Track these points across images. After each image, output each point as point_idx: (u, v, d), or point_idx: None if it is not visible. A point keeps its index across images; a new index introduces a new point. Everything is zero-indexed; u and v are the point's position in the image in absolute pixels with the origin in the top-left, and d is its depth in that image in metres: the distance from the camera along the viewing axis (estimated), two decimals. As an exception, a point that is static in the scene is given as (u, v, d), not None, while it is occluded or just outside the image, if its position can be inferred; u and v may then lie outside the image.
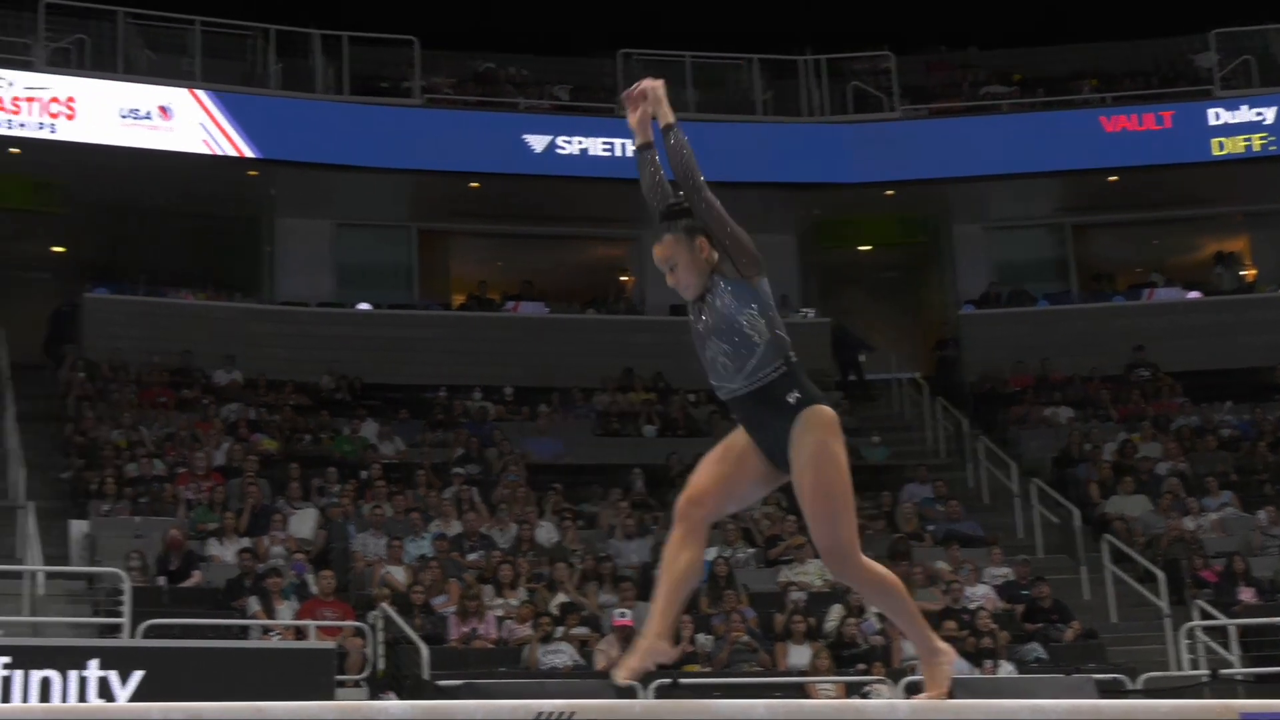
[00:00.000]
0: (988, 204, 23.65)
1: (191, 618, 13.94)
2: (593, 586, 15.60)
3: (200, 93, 20.53)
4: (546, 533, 16.99)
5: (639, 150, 5.45)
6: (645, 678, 13.08)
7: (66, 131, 19.88)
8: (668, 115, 5.38)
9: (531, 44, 24.57)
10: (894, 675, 13.98)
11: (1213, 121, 22.11)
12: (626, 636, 14.18)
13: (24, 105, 19.64)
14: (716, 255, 5.29)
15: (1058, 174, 22.57)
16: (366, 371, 21.04)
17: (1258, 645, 15.18)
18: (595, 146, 21.85)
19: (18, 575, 14.62)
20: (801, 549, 16.62)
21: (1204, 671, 14.66)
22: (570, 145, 21.83)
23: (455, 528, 16.67)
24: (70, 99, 19.90)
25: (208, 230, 22.39)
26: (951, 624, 14.93)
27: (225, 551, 15.62)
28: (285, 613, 14.34)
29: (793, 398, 5.17)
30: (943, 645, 5.28)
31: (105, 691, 11.42)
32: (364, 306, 22.28)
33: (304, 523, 16.47)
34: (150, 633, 13.00)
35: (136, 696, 11.28)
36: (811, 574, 16.30)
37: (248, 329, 21.32)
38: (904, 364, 23.07)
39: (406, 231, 23.60)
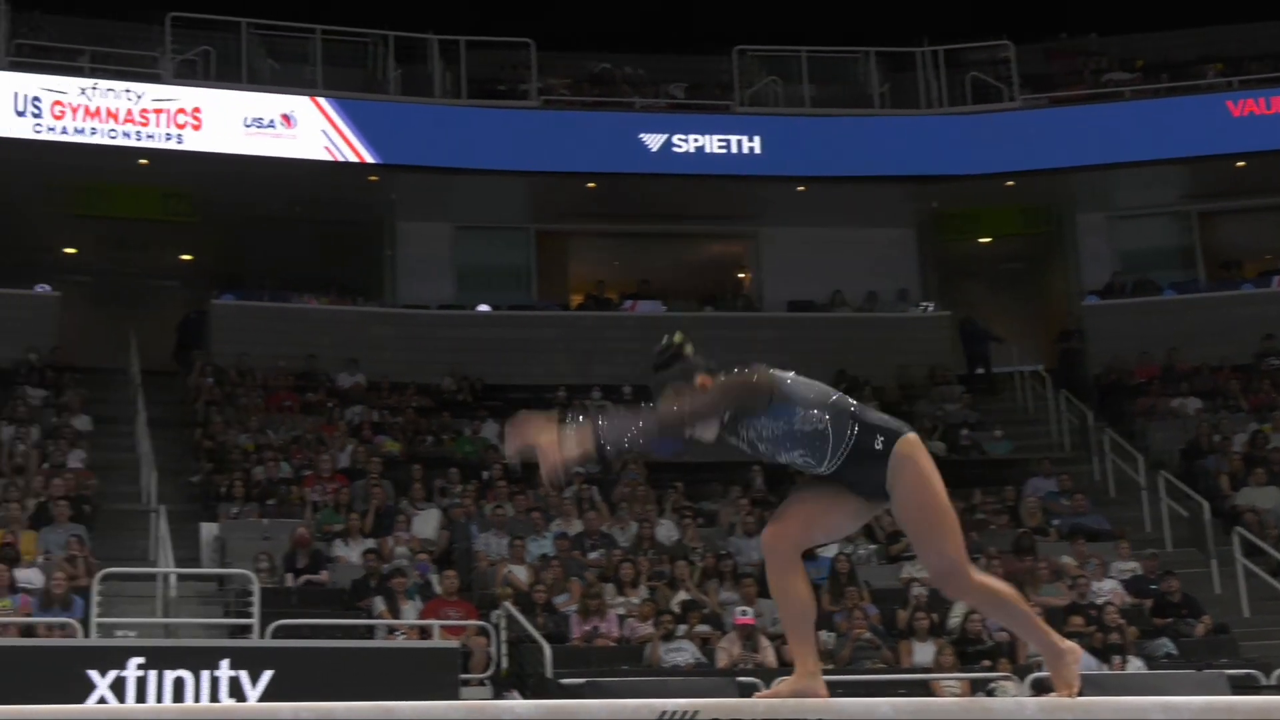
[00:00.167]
0: (1111, 192, 23.26)
1: (319, 618, 14.16)
2: (713, 584, 15.60)
3: (322, 100, 20.84)
4: (667, 531, 17.02)
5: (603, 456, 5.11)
6: (767, 675, 13.06)
7: (193, 141, 20.28)
8: (574, 450, 4.98)
9: (646, 43, 24.61)
10: (1020, 672, 13.82)
11: (1343, 103, 21.59)
12: (748, 634, 14.18)
13: (152, 117, 20.07)
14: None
15: (1183, 161, 22.13)
16: (487, 373, 21.22)
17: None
18: (711, 144, 21.84)
19: (151, 577, 14.92)
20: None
21: (1340, 666, 14.31)
22: (686, 143, 21.83)
23: (576, 527, 16.76)
24: (196, 109, 20.29)
25: (330, 236, 22.71)
26: (1078, 619, 14.75)
27: (350, 552, 15.85)
28: (410, 612, 14.51)
29: (879, 444, 5.14)
30: (1067, 644, 5.20)
31: (236, 691, 11.62)
32: (484, 308, 22.47)
33: (427, 523, 16.66)
34: (279, 633, 13.21)
35: (266, 696, 11.47)
36: (934, 570, 16.15)
37: (370, 332, 21.61)
38: (1026, 356, 22.77)
39: (525, 233, 23.76)
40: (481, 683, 13.68)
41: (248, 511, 16.59)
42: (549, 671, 13.30)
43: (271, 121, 20.55)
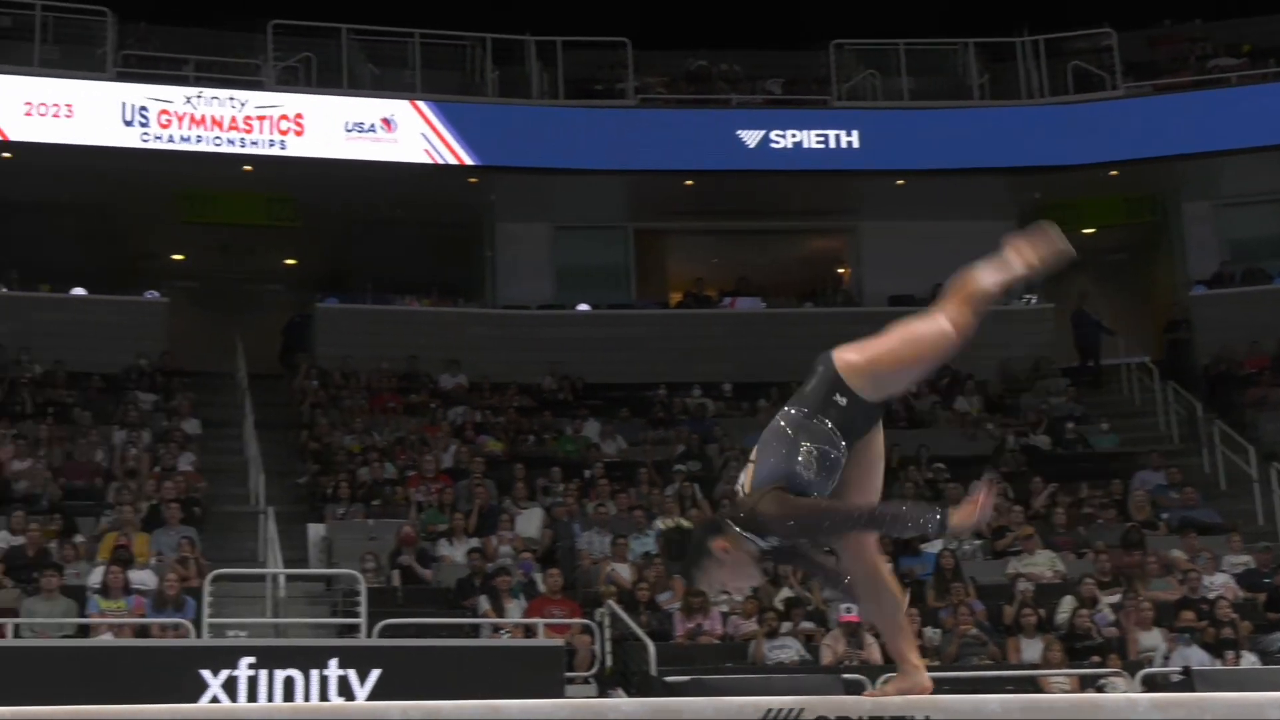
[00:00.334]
0: (1218, 180, 22.86)
1: (424, 617, 14.28)
2: (817, 581, 15.52)
3: (421, 103, 21.03)
4: (770, 527, 16.93)
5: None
6: (872, 672, 12.99)
7: (295, 147, 20.56)
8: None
9: (743, 39, 24.54)
10: (1130, 668, 13.64)
11: None
12: (852, 631, 14.10)
13: (255, 124, 20.37)
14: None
15: (1292, 146, 21.71)
16: (587, 372, 21.29)
17: None
18: (809, 139, 21.76)
19: (260, 578, 15.12)
20: (1030, 540, 16.33)
21: None
22: (784, 139, 21.77)
23: (678, 524, 16.77)
24: (298, 115, 20.57)
25: (430, 238, 22.91)
26: (1189, 614, 14.53)
27: (455, 552, 15.97)
28: (514, 611, 14.58)
29: (836, 397, 5.07)
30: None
31: (345, 690, 11.74)
32: (583, 307, 22.55)
33: (530, 522, 16.75)
34: (386, 632, 13.34)
35: (374, 695, 11.58)
36: (1041, 565, 16.00)
37: (471, 333, 21.77)
38: (1132, 348, 22.44)
39: (623, 232, 23.81)
40: (586, 681, 13.72)
41: (353, 512, 16.76)
42: (653, 669, 13.31)
43: (372, 126, 20.77)
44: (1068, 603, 15.00)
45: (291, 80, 21.23)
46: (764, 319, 22.63)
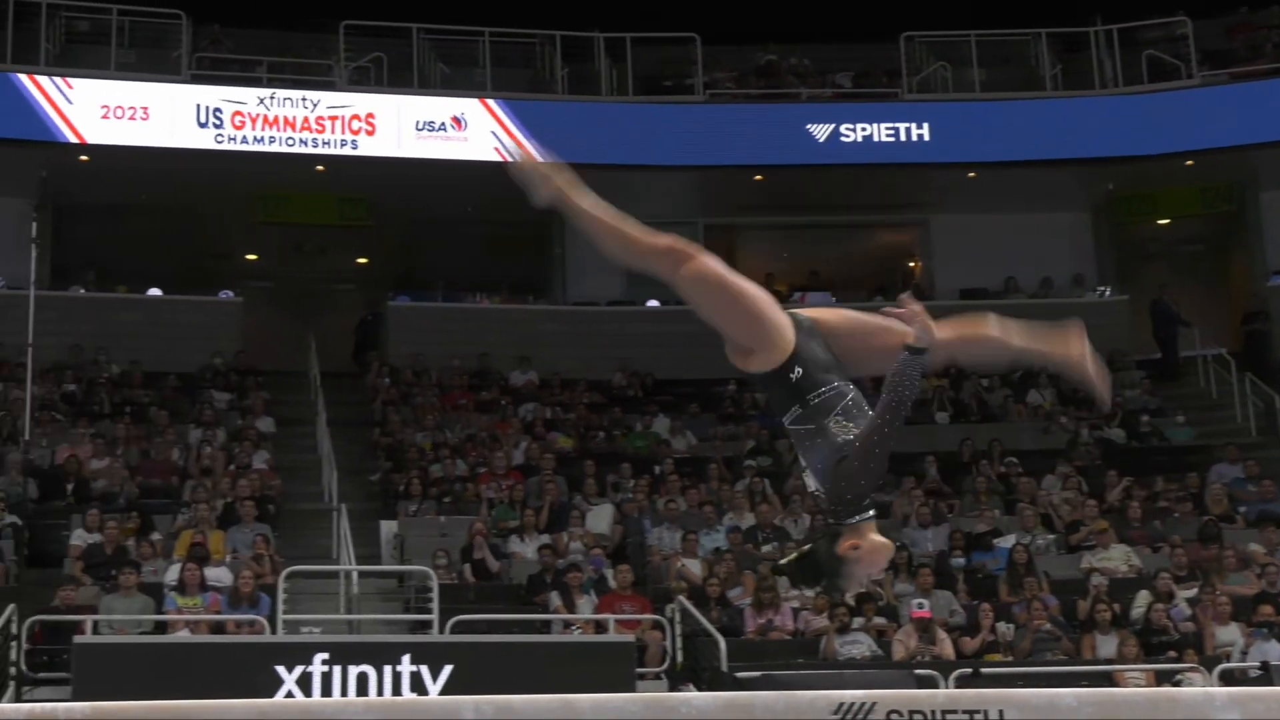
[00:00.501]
0: (1298, 169, 22.53)
1: (496, 613, 14.35)
2: (888, 576, 15.46)
3: (491, 101, 21.11)
4: (840, 523, 16.87)
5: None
6: (944, 668, 12.94)
7: (367, 147, 20.70)
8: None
9: (813, 33, 24.43)
10: (1207, 663, 13.50)
11: None
12: (924, 627, 14.04)
13: (327, 124, 20.54)
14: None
15: (1374, 133, 21.35)
16: (657, 367, 21.29)
17: None
18: (879, 132, 21.66)
19: (334, 575, 15.24)
20: (1104, 534, 16.17)
21: None
22: (854, 133, 21.68)
23: (748, 520, 16.74)
24: (370, 115, 20.71)
25: (500, 235, 22.98)
26: (1268, 608, 14.37)
27: (526, 548, 16.03)
28: (585, 607, 14.61)
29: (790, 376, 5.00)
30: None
31: (418, 685, 11.84)
32: (653, 304, 22.53)
33: (600, 518, 16.78)
34: (458, 628, 13.42)
35: (446, 690, 11.66)
36: (1116, 560, 15.84)
37: (541, 330, 21.84)
38: (1209, 340, 22.15)
39: (693, 227, 23.70)
40: (657, 676, 13.74)
41: (425, 509, 16.87)
42: (724, 665, 13.31)
43: (442, 124, 20.88)
44: (1143, 597, 14.85)
45: (363, 80, 21.39)
46: (835, 314, 22.53)
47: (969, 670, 12.98)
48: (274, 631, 13.50)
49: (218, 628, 13.65)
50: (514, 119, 21.02)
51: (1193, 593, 14.94)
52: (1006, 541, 16.05)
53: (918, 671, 13.02)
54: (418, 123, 20.88)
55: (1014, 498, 17.50)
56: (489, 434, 18.88)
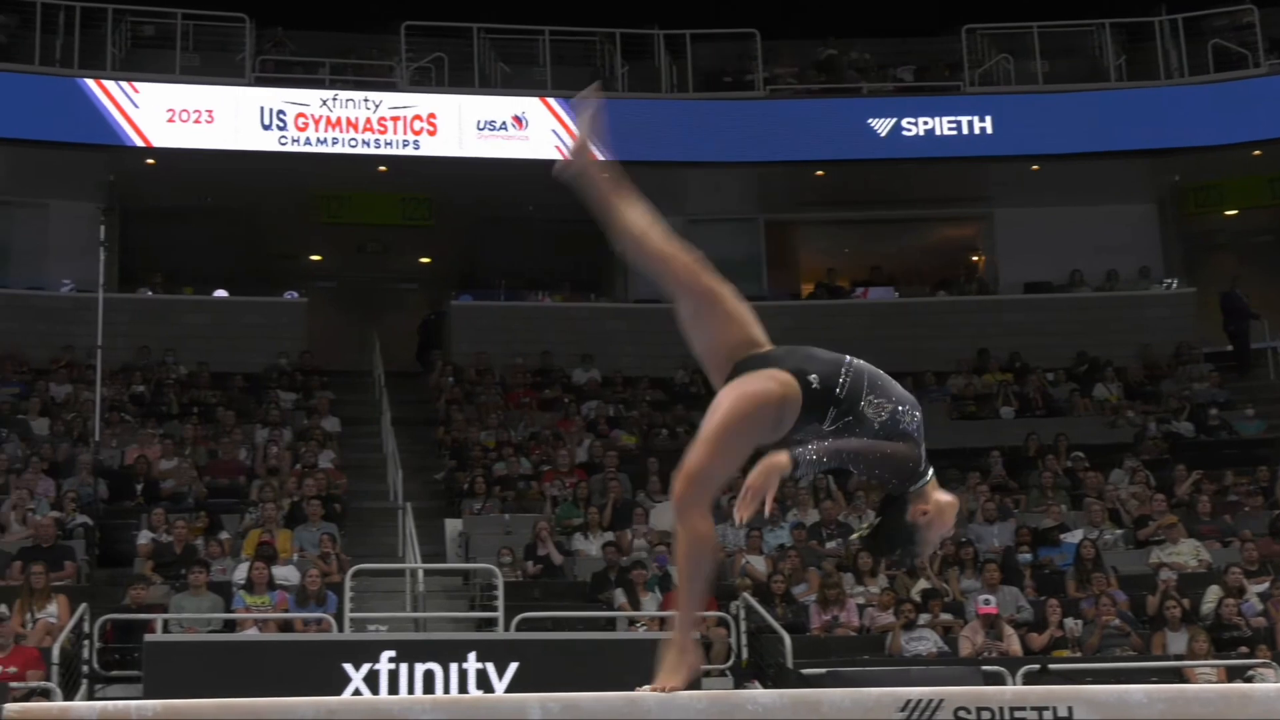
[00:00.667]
0: (1368, 158, 22.23)
1: (561, 611, 14.39)
2: (954, 572, 15.38)
3: (551, 100, 21.16)
4: (905, 519, 16.79)
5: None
6: (1012, 664, 12.85)
7: (429, 147, 20.81)
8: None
9: (873, 27, 24.34)
10: (1279, 659, 13.33)
11: None
12: (990, 623, 13.95)
13: (389, 124, 20.66)
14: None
15: None
16: (720, 365, 21.22)
17: None
18: (941, 126, 21.55)
19: (400, 573, 15.32)
20: (1173, 529, 16.01)
21: None
22: (915, 127, 21.58)
23: (813, 516, 16.71)
24: (431, 115, 20.81)
25: (562, 234, 22.97)
26: (1340, 605, 14.15)
27: (590, 546, 16.05)
28: (649, 604, 14.62)
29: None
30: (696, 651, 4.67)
31: (484, 683, 11.88)
32: (714, 300, 22.50)
33: (664, 516, 16.73)
34: (523, 626, 13.45)
35: (513, 687, 11.70)
36: (1185, 555, 15.68)
37: (603, 328, 21.86)
38: (1279, 332, 21.89)
39: (754, 223, 23.74)
40: (722, 673, 13.73)
41: (489, 507, 16.93)
42: (789, 662, 13.28)
43: (504, 124, 20.94)
44: (1213, 592, 14.69)
45: (424, 80, 21.49)
46: (897, 308, 22.45)
47: (1037, 666, 12.88)
48: (341, 630, 13.58)
49: (286, 626, 13.75)
50: (575, 117, 21.00)
51: (1264, 587, 14.77)
52: (1073, 537, 15.92)
53: (985, 668, 12.94)
54: (479, 122, 20.96)
55: (1080, 492, 17.36)
56: (552, 432, 18.93)
